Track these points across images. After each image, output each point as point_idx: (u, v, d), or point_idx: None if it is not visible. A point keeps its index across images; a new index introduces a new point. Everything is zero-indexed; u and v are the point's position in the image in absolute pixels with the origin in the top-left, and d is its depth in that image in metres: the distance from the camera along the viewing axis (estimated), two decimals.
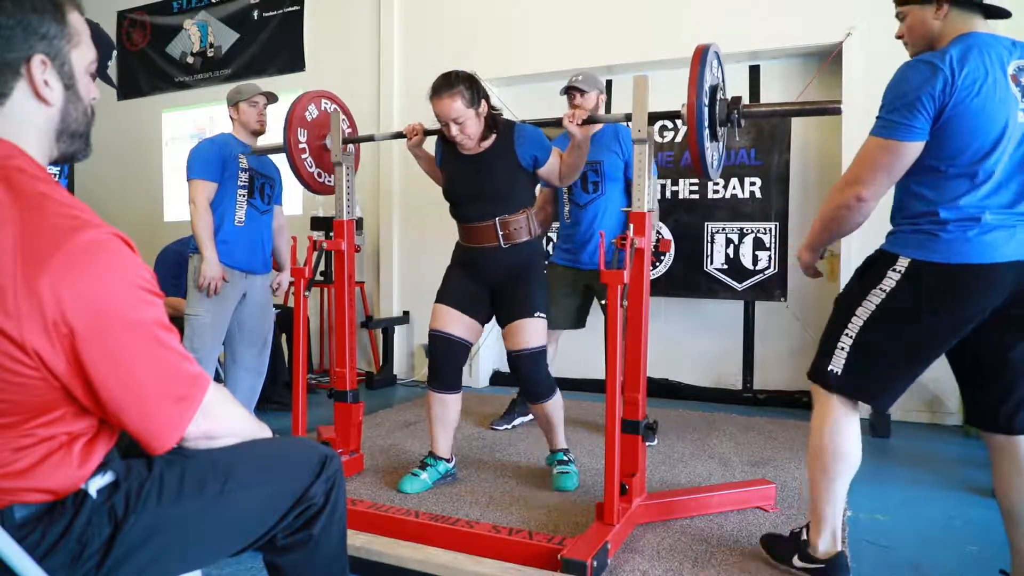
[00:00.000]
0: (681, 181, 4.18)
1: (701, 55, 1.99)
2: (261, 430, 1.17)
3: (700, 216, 4.12)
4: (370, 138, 2.97)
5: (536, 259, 2.62)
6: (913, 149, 1.59)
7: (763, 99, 4.17)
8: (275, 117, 3.16)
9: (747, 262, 4.02)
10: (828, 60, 3.90)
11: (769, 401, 4.12)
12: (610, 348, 2.08)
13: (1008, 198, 1.59)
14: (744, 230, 4.01)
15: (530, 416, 3.57)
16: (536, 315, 2.54)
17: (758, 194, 4.01)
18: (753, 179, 4.01)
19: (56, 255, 0.83)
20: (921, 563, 2.02)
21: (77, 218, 0.87)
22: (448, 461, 2.70)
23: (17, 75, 0.93)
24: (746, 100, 4.12)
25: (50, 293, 0.82)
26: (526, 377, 2.55)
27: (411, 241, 4.99)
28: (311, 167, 2.92)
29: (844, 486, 1.78)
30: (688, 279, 4.15)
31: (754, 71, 4.19)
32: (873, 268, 1.71)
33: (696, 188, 4.15)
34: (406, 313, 4.97)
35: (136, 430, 0.94)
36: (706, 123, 2.00)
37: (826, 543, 1.81)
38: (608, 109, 4.51)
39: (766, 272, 3.99)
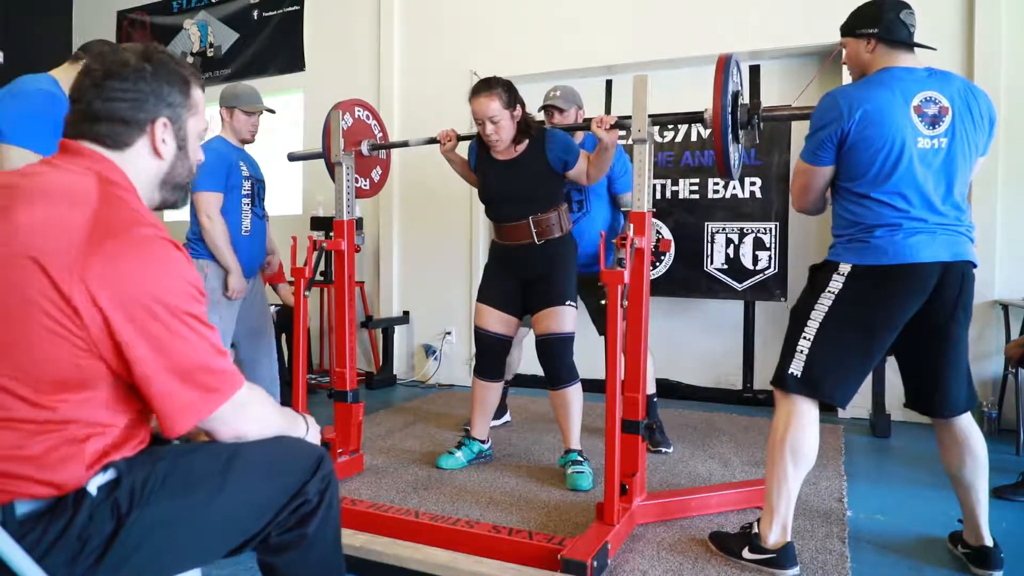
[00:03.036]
0: (681, 181, 4.18)
1: (725, 63, 2.10)
2: (293, 426, 1.24)
3: (700, 216, 4.12)
4: (404, 144, 3.07)
5: (568, 253, 2.77)
6: (823, 172, 1.92)
7: (763, 99, 4.15)
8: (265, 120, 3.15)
9: (747, 262, 4.01)
10: (828, 60, 3.90)
11: (769, 401, 4.09)
12: (610, 348, 2.08)
13: (925, 209, 1.83)
14: (744, 230, 4.01)
15: (500, 421, 3.56)
16: (567, 303, 2.70)
17: (758, 194, 4.01)
18: (753, 179, 4.01)
19: (115, 238, 0.98)
20: (921, 563, 2.02)
21: (142, 219, 1.04)
22: (484, 443, 2.92)
23: (142, 132, 1.11)
24: (745, 101, 4.17)
25: (101, 266, 0.96)
26: (552, 360, 2.68)
27: (411, 241, 4.99)
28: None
29: (798, 482, 1.91)
30: (688, 279, 4.15)
31: (754, 71, 4.19)
32: (820, 274, 1.94)
33: (696, 188, 4.15)
34: (406, 313, 4.97)
35: (159, 409, 1.02)
36: (730, 127, 2.09)
37: (776, 535, 1.91)
38: (608, 109, 4.51)
39: (766, 272, 3.99)
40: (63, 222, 0.98)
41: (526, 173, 2.70)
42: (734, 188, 4.06)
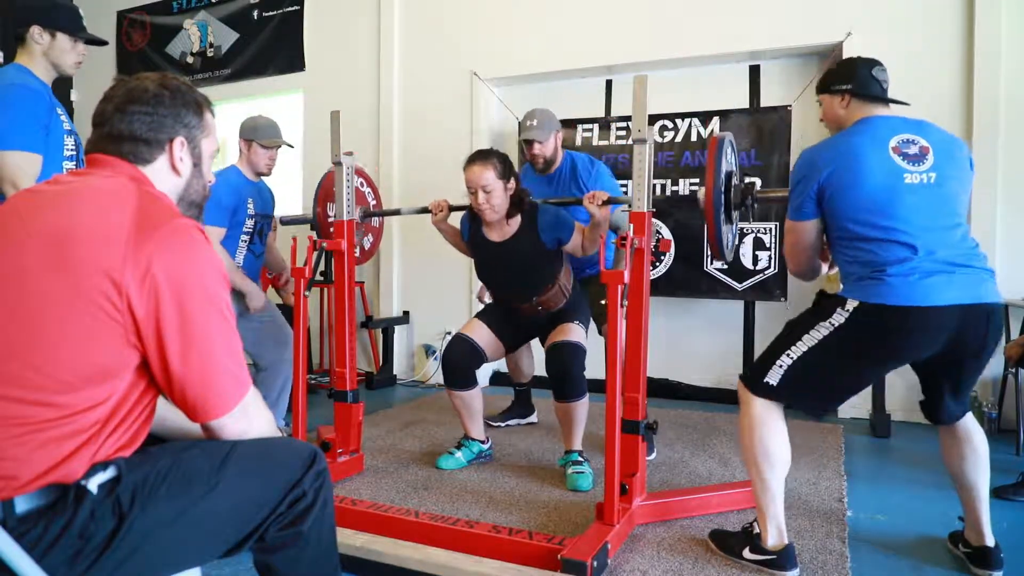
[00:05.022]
0: (681, 181, 4.18)
1: (717, 145, 2.11)
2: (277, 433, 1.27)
3: (700, 216, 4.11)
4: (396, 212, 3.17)
5: (575, 300, 2.86)
6: (808, 226, 1.94)
7: (763, 99, 4.17)
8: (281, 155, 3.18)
9: (747, 262, 4.02)
10: (828, 60, 3.90)
11: None
12: (610, 348, 2.08)
13: (932, 244, 1.77)
14: (744, 230, 4.01)
15: (525, 420, 3.58)
16: (577, 322, 2.78)
17: None
18: (753, 179, 4.01)
19: (161, 229, 1.06)
20: (921, 563, 2.02)
21: (177, 212, 1.16)
22: (483, 443, 2.91)
23: (162, 150, 1.22)
24: (745, 102, 4.18)
25: (150, 255, 1.03)
26: (563, 367, 2.66)
27: (411, 241, 4.99)
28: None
29: (778, 482, 1.93)
30: (688, 279, 4.15)
31: (754, 71, 4.19)
32: (826, 302, 1.90)
33: (696, 188, 4.15)
34: (406, 313, 4.97)
35: (194, 395, 1.08)
36: (722, 208, 2.12)
37: (774, 537, 1.92)
38: (608, 110, 4.52)
39: (766, 272, 3.99)
40: (108, 220, 1.05)
41: (521, 256, 2.70)
42: None
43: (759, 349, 4.28)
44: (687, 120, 4.16)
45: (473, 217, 2.75)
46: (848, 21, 3.77)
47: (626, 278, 2.06)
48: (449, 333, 4.75)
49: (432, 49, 4.86)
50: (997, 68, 3.53)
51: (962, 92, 3.62)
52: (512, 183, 2.64)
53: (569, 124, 4.44)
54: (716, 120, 4.10)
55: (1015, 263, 3.55)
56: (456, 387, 2.80)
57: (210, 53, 5.76)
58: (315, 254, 2.75)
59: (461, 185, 2.61)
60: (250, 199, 3.00)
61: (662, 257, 4.18)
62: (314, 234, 3.04)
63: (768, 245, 3.97)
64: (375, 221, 3.24)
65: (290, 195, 5.46)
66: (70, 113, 2.33)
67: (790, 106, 3.96)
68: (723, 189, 2.12)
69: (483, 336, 2.84)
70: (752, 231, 4.01)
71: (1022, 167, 3.54)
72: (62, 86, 2.94)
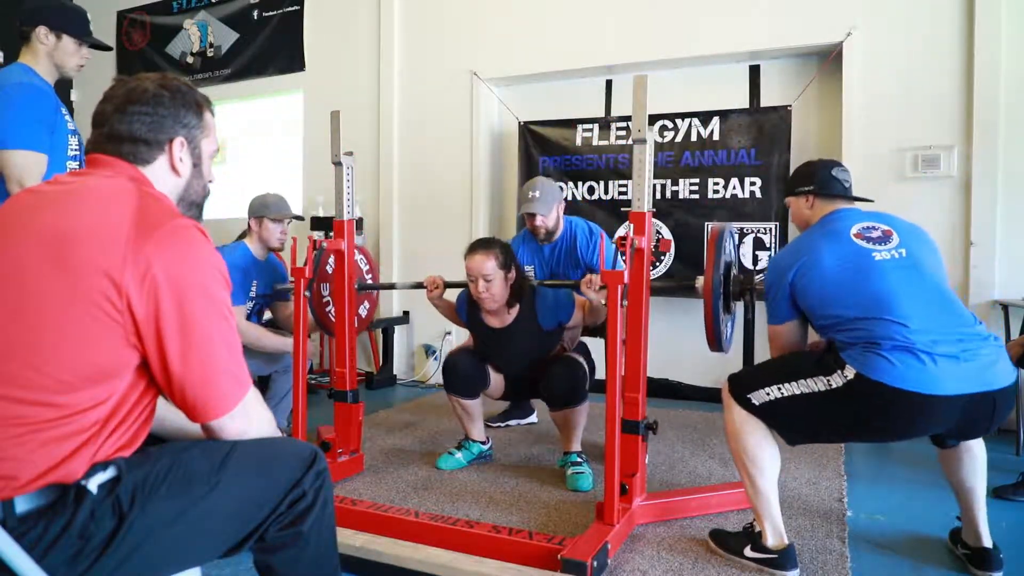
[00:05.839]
0: (681, 181, 4.18)
1: (717, 237, 2.14)
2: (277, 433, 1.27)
3: (700, 216, 4.12)
4: (391, 286, 3.29)
5: (577, 347, 2.93)
6: (791, 327, 1.99)
7: (763, 99, 4.17)
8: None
9: (747, 262, 4.01)
10: (828, 60, 3.90)
11: None
12: (610, 348, 2.08)
13: (932, 326, 1.72)
14: (744, 230, 4.01)
15: (525, 420, 3.58)
16: (571, 354, 2.83)
17: (758, 194, 4.00)
18: (753, 179, 4.01)
19: (161, 229, 1.06)
20: (921, 563, 2.02)
21: (177, 212, 1.16)
22: (483, 443, 2.91)
23: (162, 150, 1.21)
24: (745, 102, 4.18)
25: (150, 255, 1.03)
26: (561, 381, 2.67)
27: (411, 241, 4.99)
28: (334, 316, 2.92)
29: (770, 484, 1.93)
30: (688, 279, 4.14)
31: (754, 71, 4.19)
32: (829, 358, 1.82)
33: (696, 188, 4.15)
34: (406, 313, 4.97)
35: (194, 395, 1.08)
36: (721, 298, 2.14)
37: (774, 537, 1.92)
38: (608, 110, 4.52)
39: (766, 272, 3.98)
40: (108, 220, 1.05)
41: (522, 341, 2.75)
42: (734, 188, 4.06)
43: (759, 349, 4.27)
44: (687, 120, 4.16)
45: (472, 300, 2.75)
46: (848, 21, 3.77)
47: (626, 278, 2.06)
48: (449, 333, 4.76)
49: (432, 49, 4.86)
50: (997, 68, 3.53)
51: (962, 92, 3.62)
52: (513, 273, 2.67)
53: (569, 124, 4.44)
54: (716, 120, 4.09)
55: (1015, 263, 3.55)
56: (458, 394, 2.82)
57: (210, 53, 5.75)
58: (315, 254, 2.75)
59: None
60: (255, 281, 3.03)
61: (662, 257, 4.18)
62: (314, 234, 3.05)
63: (768, 245, 3.97)
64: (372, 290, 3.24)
65: (290, 195, 5.44)
66: (70, 113, 2.32)
67: (790, 106, 3.96)
68: (722, 280, 2.14)
69: (493, 367, 2.88)
70: (752, 231, 4.00)
71: (1022, 167, 3.54)
72: (63, 86, 2.93)
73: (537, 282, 2.78)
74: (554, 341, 2.81)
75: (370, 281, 3.08)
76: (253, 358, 2.92)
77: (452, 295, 2.91)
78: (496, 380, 2.89)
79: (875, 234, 1.88)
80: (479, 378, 2.83)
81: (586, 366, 2.79)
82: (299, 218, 3.23)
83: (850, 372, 1.74)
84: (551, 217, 3.07)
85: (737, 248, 2.34)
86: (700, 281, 2.16)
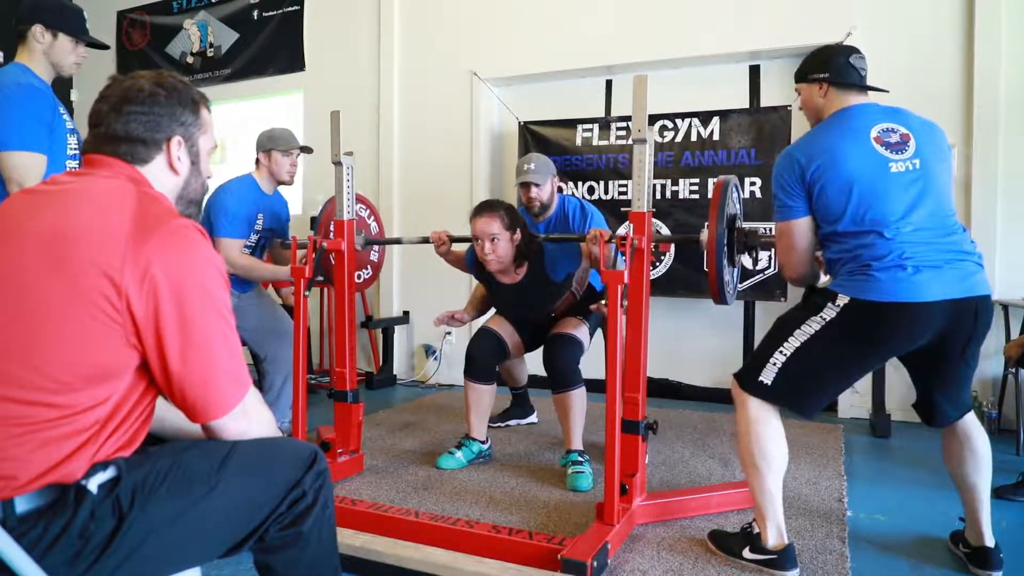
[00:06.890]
0: (681, 181, 4.18)
1: (722, 188, 2.12)
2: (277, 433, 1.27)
3: (700, 216, 4.11)
4: (397, 241, 3.28)
5: (586, 294, 2.93)
6: (803, 223, 1.90)
7: (763, 99, 4.17)
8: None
9: (747, 262, 4.01)
10: None
11: None
12: (610, 348, 2.08)
13: (921, 236, 1.77)
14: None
15: (525, 420, 3.58)
16: (580, 318, 2.87)
17: (758, 194, 4.00)
18: (753, 179, 4.01)
19: (159, 230, 1.06)
20: (921, 563, 2.02)
21: (176, 212, 1.16)
22: (483, 443, 2.93)
23: (159, 149, 1.21)
24: (745, 102, 4.18)
25: (149, 255, 1.03)
26: (557, 359, 2.74)
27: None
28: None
29: (776, 483, 1.92)
30: (688, 279, 4.15)
31: (754, 71, 4.19)
32: (815, 298, 1.89)
33: (696, 188, 4.15)
34: (406, 313, 4.97)
35: (194, 396, 1.07)
36: (724, 251, 2.11)
37: (774, 537, 1.92)
38: (608, 110, 4.52)
39: (766, 272, 3.99)
40: (108, 221, 1.05)
41: (534, 294, 2.83)
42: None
43: None
44: (687, 120, 4.16)
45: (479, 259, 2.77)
46: (848, 21, 3.76)
47: (626, 278, 2.06)
48: (449, 334, 4.76)
49: (432, 49, 4.86)
50: (997, 68, 3.53)
51: (962, 92, 3.62)
52: (518, 234, 2.69)
53: (569, 124, 4.44)
54: (716, 120, 4.09)
55: (1015, 263, 3.55)
56: (475, 379, 2.86)
57: (210, 53, 5.75)
58: (315, 254, 2.75)
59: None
60: (260, 213, 3.03)
61: (662, 257, 4.18)
62: (314, 234, 3.04)
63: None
64: (374, 255, 3.26)
65: (290, 195, 5.44)
66: (70, 112, 2.32)
67: (790, 106, 3.96)
68: (726, 233, 2.12)
69: (507, 332, 2.96)
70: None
71: (1022, 167, 3.54)
72: (62, 85, 2.93)
73: (543, 237, 2.78)
74: (566, 287, 2.86)
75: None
76: (251, 331, 2.96)
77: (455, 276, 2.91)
78: (513, 338, 2.98)
79: (893, 138, 1.82)
80: (500, 352, 2.93)
81: (584, 345, 2.85)
82: (308, 149, 3.22)
83: (843, 299, 1.80)
84: (545, 189, 3.06)
85: (742, 201, 2.31)
86: (704, 233, 2.15)
